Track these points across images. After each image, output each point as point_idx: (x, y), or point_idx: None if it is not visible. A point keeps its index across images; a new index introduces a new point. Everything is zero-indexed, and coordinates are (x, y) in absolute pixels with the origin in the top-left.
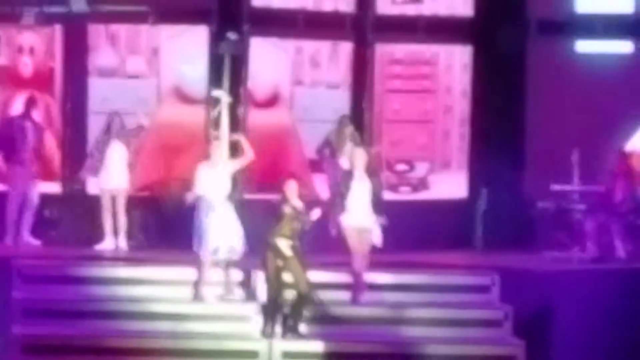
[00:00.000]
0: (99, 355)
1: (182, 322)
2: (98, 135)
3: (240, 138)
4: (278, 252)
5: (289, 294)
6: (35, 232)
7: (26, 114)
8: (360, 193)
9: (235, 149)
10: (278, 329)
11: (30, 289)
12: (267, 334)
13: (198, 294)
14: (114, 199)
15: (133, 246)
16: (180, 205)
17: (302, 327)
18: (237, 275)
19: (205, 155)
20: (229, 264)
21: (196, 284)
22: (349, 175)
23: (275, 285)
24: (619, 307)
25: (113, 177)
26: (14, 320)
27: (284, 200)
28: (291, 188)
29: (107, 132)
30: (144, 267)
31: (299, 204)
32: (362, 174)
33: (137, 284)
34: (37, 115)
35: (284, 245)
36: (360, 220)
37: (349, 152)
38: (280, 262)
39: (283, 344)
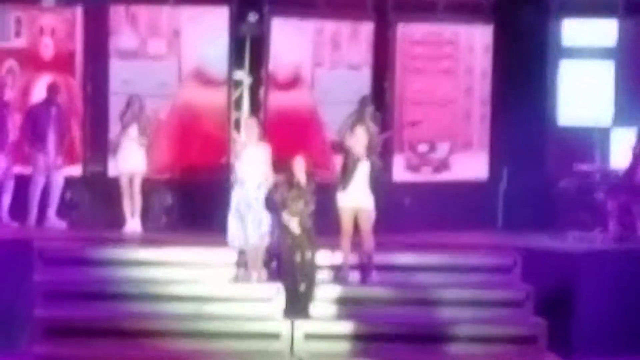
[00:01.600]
0: (121, 338)
1: (203, 304)
2: (117, 118)
3: None
4: (288, 231)
5: (302, 272)
6: (57, 214)
7: (50, 100)
8: (359, 173)
9: None
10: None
11: (52, 272)
12: (288, 314)
13: (243, 277)
14: (131, 181)
15: (154, 228)
16: (200, 187)
17: (317, 308)
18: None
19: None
20: (258, 250)
21: (239, 266)
22: (349, 154)
23: (290, 265)
24: None
25: (131, 159)
26: (36, 303)
27: (290, 177)
28: (298, 165)
29: (126, 114)
30: (164, 249)
31: (304, 181)
32: (362, 154)
33: (158, 266)
34: (61, 100)
35: (293, 223)
36: (356, 201)
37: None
38: (290, 241)
39: (305, 325)
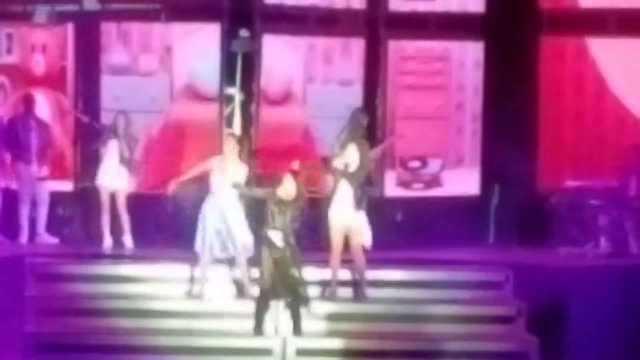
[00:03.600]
0: (112, 353)
1: (195, 320)
2: (104, 134)
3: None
4: (271, 245)
5: (287, 289)
6: (49, 230)
7: (27, 112)
8: (347, 190)
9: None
10: (270, 325)
11: (43, 287)
12: (257, 331)
13: (195, 292)
14: (113, 198)
15: (146, 244)
16: (194, 203)
17: (308, 324)
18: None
19: (219, 151)
20: (237, 262)
21: (196, 281)
22: (337, 171)
23: (270, 280)
24: (633, 303)
25: (111, 176)
26: (27, 318)
27: (278, 190)
28: (288, 180)
29: (112, 130)
30: (156, 265)
31: (291, 196)
32: (354, 171)
33: (150, 282)
34: (43, 112)
35: (276, 237)
36: (346, 218)
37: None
38: (275, 255)
39: (297, 341)
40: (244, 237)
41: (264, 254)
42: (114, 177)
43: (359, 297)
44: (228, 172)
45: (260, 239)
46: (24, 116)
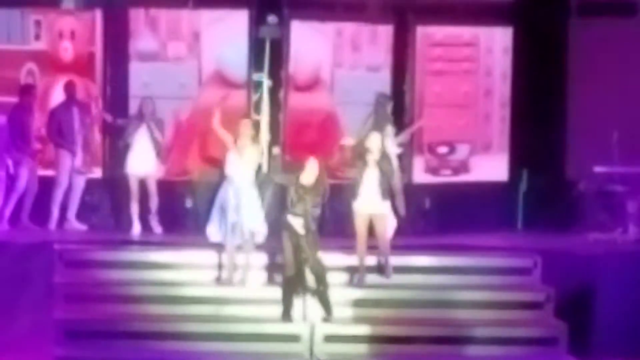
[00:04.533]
0: (141, 340)
1: (223, 306)
2: (130, 120)
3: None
4: (291, 231)
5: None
6: (77, 217)
7: (70, 99)
8: (372, 178)
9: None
10: (298, 311)
11: (72, 274)
12: (285, 317)
13: (224, 278)
14: (142, 184)
15: (174, 231)
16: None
17: (336, 310)
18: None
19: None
20: (251, 248)
21: (224, 268)
22: (362, 158)
23: (293, 265)
24: None
25: (140, 162)
26: (56, 305)
27: (300, 177)
28: (310, 166)
29: (139, 116)
30: (184, 251)
31: (312, 182)
32: (376, 159)
33: (178, 268)
34: (80, 97)
35: (297, 223)
36: (370, 206)
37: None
38: (294, 241)
39: (325, 327)
40: (253, 224)
41: (284, 240)
42: (144, 163)
43: (384, 275)
44: (244, 156)
45: (281, 225)
46: (66, 104)
